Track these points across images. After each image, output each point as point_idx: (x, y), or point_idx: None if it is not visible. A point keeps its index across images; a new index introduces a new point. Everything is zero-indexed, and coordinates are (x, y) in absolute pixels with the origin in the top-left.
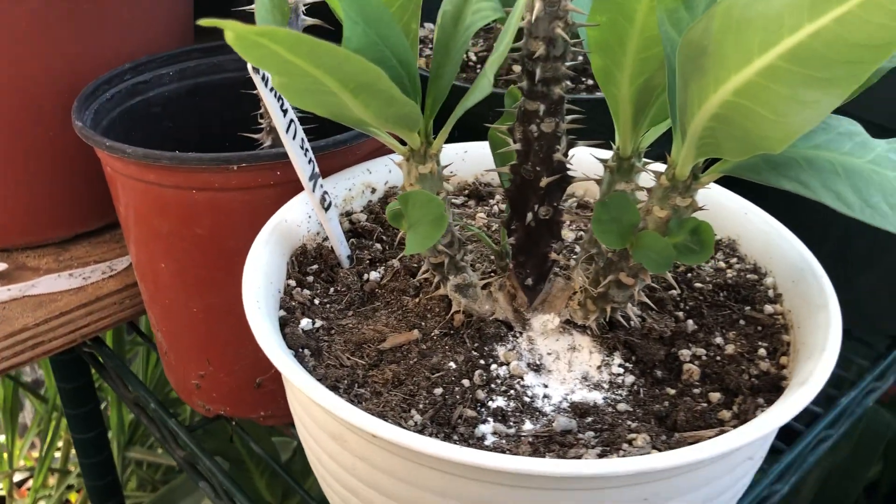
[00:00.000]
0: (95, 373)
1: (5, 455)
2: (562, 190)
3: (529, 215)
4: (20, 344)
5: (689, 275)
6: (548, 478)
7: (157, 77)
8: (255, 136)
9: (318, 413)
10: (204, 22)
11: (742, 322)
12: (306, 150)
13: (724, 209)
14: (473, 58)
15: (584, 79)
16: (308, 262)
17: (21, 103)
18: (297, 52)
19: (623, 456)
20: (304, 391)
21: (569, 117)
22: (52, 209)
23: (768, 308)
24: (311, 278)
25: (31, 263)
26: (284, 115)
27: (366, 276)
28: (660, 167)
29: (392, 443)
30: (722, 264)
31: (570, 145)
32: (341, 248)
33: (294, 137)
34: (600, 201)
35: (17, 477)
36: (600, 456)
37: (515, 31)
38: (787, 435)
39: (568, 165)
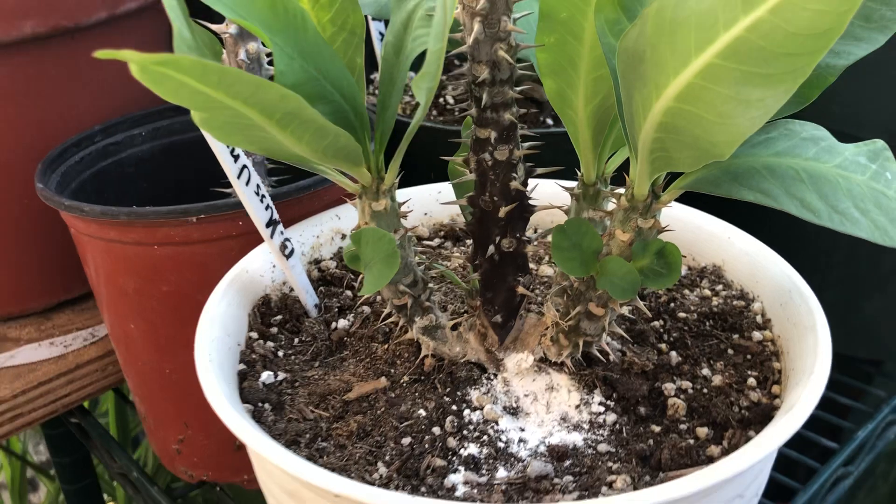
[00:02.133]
0: None
1: None
2: (524, 220)
3: (492, 248)
4: None
5: (672, 304)
6: None
7: (129, 137)
8: (227, 189)
9: (274, 471)
10: (101, 54)
11: (730, 351)
12: (262, 196)
13: (706, 234)
14: (451, 101)
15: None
16: (272, 313)
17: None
18: (207, 80)
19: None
20: (255, 448)
21: (525, 144)
22: (32, 279)
23: (757, 335)
24: (274, 329)
25: (12, 334)
26: (235, 161)
27: (334, 325)
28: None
29: (346, 498)
30: (707, 292)
31: (529, 173)
32: (307, 297)
33: (247, 183)
34: (558, 227)
35: None
36: (577, 500)
37: (442, 53)
38: (804, 475)
39: (528, 194)
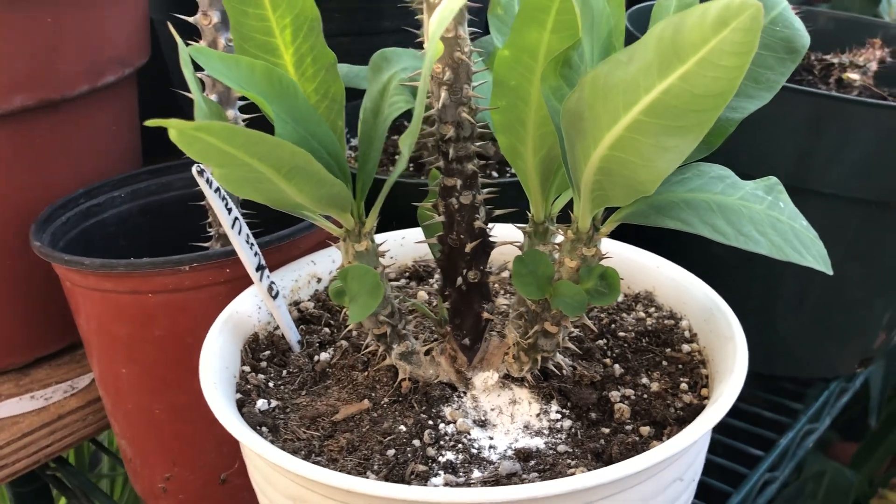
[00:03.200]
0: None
1: None
2: (486, 254)
3: (459, 279)
4: None
5: (613, 325)
6: None
7: (109, 199)
8: (205, 244)
9: (279, 479)
10: (151, 122)
11: (664, 363)
12: (252, 244)
13: (639, 265)
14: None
15: (507, 168)
16: (260, 349)
17: None
18: (232, 142)
19: None
20: (266, 456)
21: (485, 190)
22: (9, 336)
23: (686, 347)
24: (264, 363)
25: None
26: (229, 213)
27: (316, 358)
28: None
29: (353, 492)
30: (642, 314)
31: (490, 215)
32: (291, 334)
33: (240, 233)
34: (518, 258)
35: None
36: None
37: (422, 115)
38: (735, 480)
39: (488, 232)
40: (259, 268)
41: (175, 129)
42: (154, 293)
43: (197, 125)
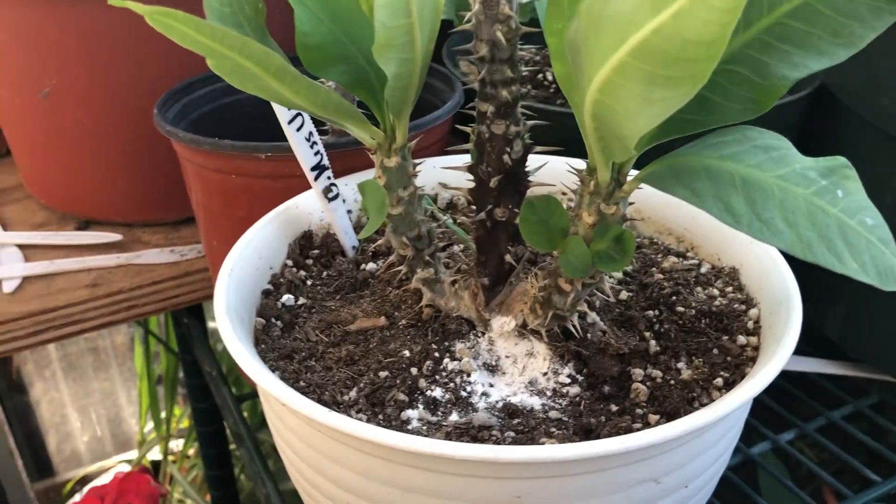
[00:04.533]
0: None
1: (163, 426)
2: (519, 193)
3: (483, 215)
4: (116, 304)
5: (675, 297)
6: (415, 455)
7: None
8: (323, 132)
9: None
10: (114, 2)
11: (715, 351)
12: (314, 142)
13: (731, 237)
14: (550, 77)
15: None
16: (311, 247)
17: (141, 97)
18: (202, 32)
19: None
20: (228, 346)
21: (530, 122)
22: (164, 195)
23: (741, 339)
24: (310, 261)
25: (145, 238)
26: (289, 108)
27: (363, 266)
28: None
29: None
30: (716, 291)
31: (528, 150)
32: (346, 239)
33: (299, 129)
34: (528, 201)
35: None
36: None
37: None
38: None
39: (527, 169)
40: (316, 167)
41: (144, 13)
42: (237, 175)
43: (162, 11)
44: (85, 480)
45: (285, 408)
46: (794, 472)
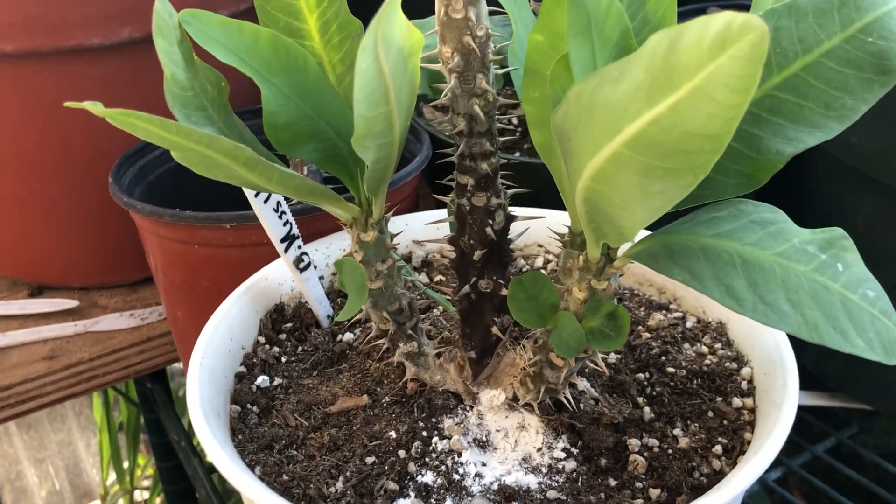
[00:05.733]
0: None
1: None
2: (503, 264)
3: (467, 288)
4: (76, 376)
5: (665, 357)
6: None
7: None
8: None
9: None
10: (70, 104)
11: (709, 414)
12: (282, 213)
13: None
14: (516, 121)
15: None
16: (283, 320)
17: (93, 159)
18: (168, 130)
19: None
20: (205, 447)
21: (511, 192)
22: (121, 256)
23: (737, 401)
24: (283, 336)
25: (102, 302)
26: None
27: (339, 337)
28: None
29: None
30: (704, 349)
31: (510, 220)
32: (320, 308)
33: (266, 201)
34: (516, 279)
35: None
36: None
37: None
38: None
39: (510, 238)
40: (286, 238)
41: (104, 116)
42: (201, 245)
43: (124, 112)
44: None
45: None
46: None
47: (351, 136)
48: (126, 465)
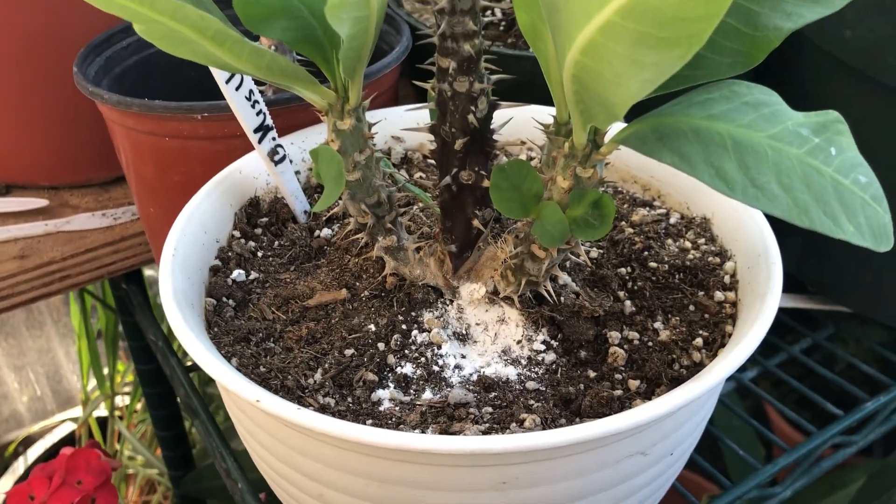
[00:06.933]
0: None
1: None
2: (485, 154)
3: (448, 179)
4: (48, 276)
5: (647, 252)
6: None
7: None
8: (261, 87)
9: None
10: None
11: (690, 308)
12: (255, 101)
13: (700, 185)
14: (499, 14)
15: None
16: (259, 215)
17: (57, 51)
18: None
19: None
20: (178, 335)
21: (494, 77)
22: (91, 154)
23: (719, 295)
24: (259, 230)
25: (73, 201)
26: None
27: (317, 233)
28: None
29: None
30: (688, 244)
31: (494, 107)
32: (296, 203)
33: (237, 88)
34: (498, 167)
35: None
36: (485, 433)
37: None
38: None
39: (491, 127)
40: (260, 129)
41: None
42: (170, 137)
43: None
44: (28, 441)
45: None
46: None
47: (323, 15)
48: (106, 371)
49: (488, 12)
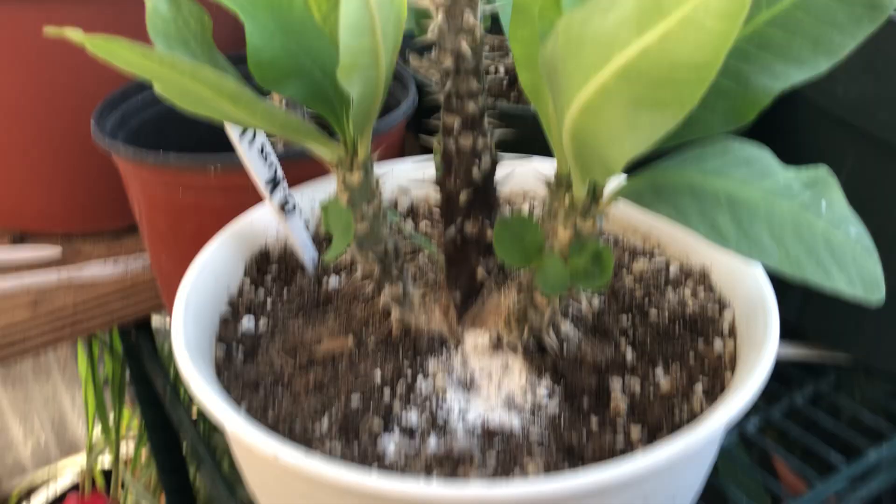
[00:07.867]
0: None
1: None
2: (489, 207)
3: (453, 230)
4: (60, 321)
5: (647, 302)
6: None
7: None
8: (272, 138)
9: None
10: (48, 32)
11: (691, 356)
12: (266, 154)
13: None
14: (503, 71)
15: None
16: (269, 264)
17: (76, 104)
18: (150, 58)
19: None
20: (187, 383)
21: (497, 132)
22: (104, 203)
23: (718, 343)
24: (269, 279)
25: (86, 250)
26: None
27: (325, 281)
28: None
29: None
30: (687, 293)
31: (496, 162)
32: (305, 253)
33: (251, 142)
34: (501, 220)
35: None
36: (489, 480)
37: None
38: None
39: (495, 181)
40: (271, 181)
41: (83, 43)
42: (184, 189)
43: (105, 38)
44: (32, 489)
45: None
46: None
47: (334, 74)
48: (111, 418)
49: (492, 68)
